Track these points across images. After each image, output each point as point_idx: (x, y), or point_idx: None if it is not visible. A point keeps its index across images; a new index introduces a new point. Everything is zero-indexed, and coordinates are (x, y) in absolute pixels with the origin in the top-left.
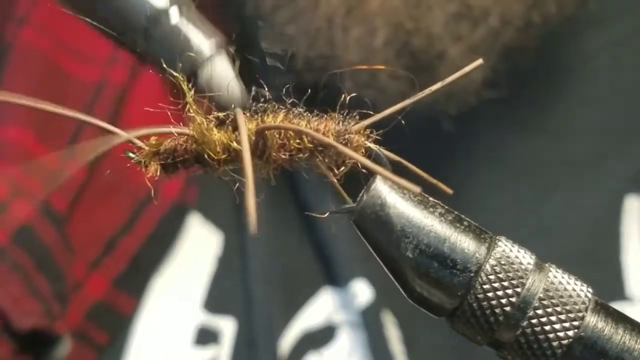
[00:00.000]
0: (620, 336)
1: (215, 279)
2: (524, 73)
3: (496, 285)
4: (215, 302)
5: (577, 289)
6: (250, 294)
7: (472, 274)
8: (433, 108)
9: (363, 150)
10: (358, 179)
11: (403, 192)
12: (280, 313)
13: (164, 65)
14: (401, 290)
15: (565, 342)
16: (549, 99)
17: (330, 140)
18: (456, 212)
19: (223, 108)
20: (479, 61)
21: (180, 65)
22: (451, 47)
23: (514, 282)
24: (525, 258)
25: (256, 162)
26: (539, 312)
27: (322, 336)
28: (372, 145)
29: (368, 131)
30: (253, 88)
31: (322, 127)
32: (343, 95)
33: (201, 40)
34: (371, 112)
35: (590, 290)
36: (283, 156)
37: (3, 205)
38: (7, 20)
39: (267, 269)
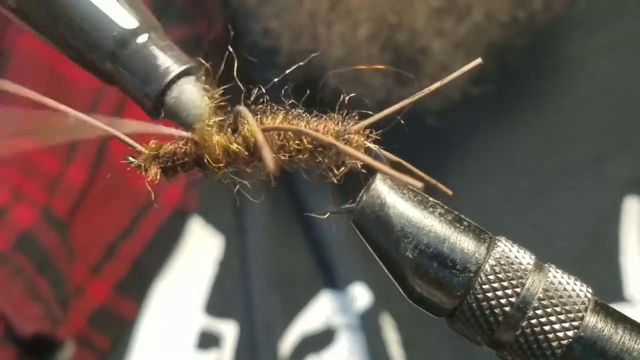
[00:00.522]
0: (619, 336)
1: (216, 283)
2: (522, 73)
3: (496, 285)
4: (216, 305)
5: (576, 289)
6: (251, 298)
7: (471, 274)
8: (417, 104)
9: (362, 151)
10: (358, 179)
11: (403, 192)
12: (280, 316)
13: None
14: (400, 290)
15: (564, 342)
16: (549, 100)
17: (331, 139)
18: (456, 212)
19: (189, 128)
20: (478, 60)
21: (148, 87)
22: (434, 42)
23: (514, 282)
24: (524, 258)
25: (255, 164)
26: (539, 312)
27: (321, 339)
28: (372, 146)
29: (367, 131)
30: (254, 90)
31: (321, 128)
32: (342, 96)
33: (168, 62)
34: (370, 112)
35: (590, 290)
36: (282, 157)
37: (3, 210)
38: (7, 25)
39: (267, 272)
